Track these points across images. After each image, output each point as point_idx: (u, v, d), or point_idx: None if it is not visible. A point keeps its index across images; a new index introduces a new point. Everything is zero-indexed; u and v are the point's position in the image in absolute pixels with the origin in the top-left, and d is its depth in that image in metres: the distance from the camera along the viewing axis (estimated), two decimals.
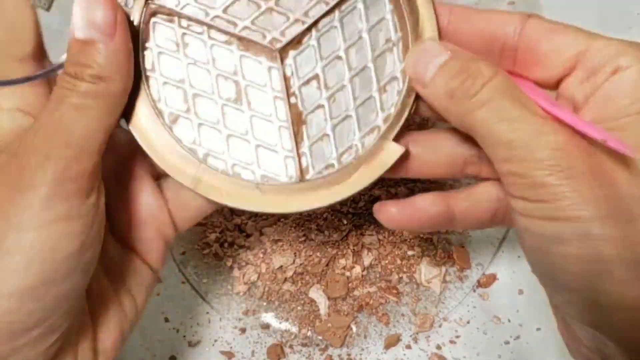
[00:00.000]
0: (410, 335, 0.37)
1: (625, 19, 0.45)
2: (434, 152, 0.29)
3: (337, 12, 0.29)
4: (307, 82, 0.29)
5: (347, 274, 0.38)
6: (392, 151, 0.28)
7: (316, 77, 0.29)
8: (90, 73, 0.23)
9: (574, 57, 0.25)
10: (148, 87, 0.27)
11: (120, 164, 0.29)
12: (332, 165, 0.29)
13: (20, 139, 0.23)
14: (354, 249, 0.38)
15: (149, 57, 0.27)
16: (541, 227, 0.22)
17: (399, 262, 0.38)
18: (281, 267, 0.38)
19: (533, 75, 0.27)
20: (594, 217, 0.21)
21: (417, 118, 0.39)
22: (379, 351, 0.37)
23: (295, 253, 0.38)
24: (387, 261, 0.38)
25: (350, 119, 0.29)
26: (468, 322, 0.37)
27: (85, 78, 0.23)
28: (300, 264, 0.38)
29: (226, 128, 0.28)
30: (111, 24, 0.24)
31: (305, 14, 0.28)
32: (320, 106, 0.29)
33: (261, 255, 0.39)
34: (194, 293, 0.38)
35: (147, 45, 0.27)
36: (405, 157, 0.28)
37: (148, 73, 0.27)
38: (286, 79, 0.28)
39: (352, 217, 0.38)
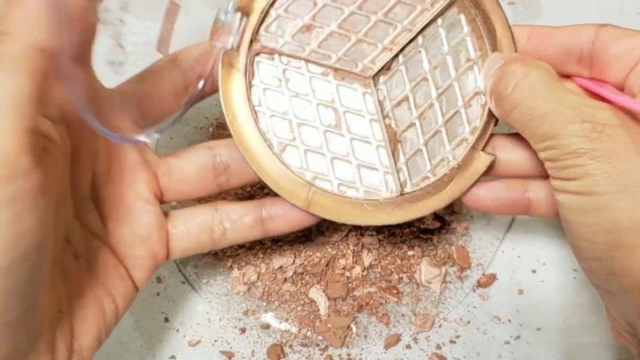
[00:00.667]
0: (410, 335, 0.37)
1: (625, 19, 0.46)
2: (516, 154, 0.31)
3: (420, 38, 0.31)
4: (399, 103, 0.31)
5: (347, 274, 0.38)
6: (483, 160, 0.31)
7: (406, 98, 0.31)
8: None
9: None
10: (257, 120, 0.30)
11: (125, 179, 0.29)
12: (428, 178, 0.31)
13: None
14: (354, 249, 0.38)
15: (256, 94, 0.30)
16: (570, 200, 0.25)
17: (399, 262, 0.38)
18: (281, 267, 0.38)
19: (608, 79, 0.29)
20: (613, 191, 0.24)
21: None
22: (379, 351, 0.37)
23: (295, 253, 0.38)
24: (387, 261, 0.38)
25: (440, 133, 0.31)
26: (468, 322, 0.37)
27: None
28: (300, 264, 0.38)
29: (329, 152, 0.31)
30: None
31: (392, 42, 0.31)
32: (412, 124, 0.31)
33: (261, 255, 0.38)
34: (194, 293, 0.38)
35: (253, 82, 0.30)
36: (492, 164, 0.31)
37: (256, 108, 0.30)
38: (380, 103, 0.31)
39: None
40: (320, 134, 0.31)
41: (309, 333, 0.37)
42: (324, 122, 0.31)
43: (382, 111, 0.31)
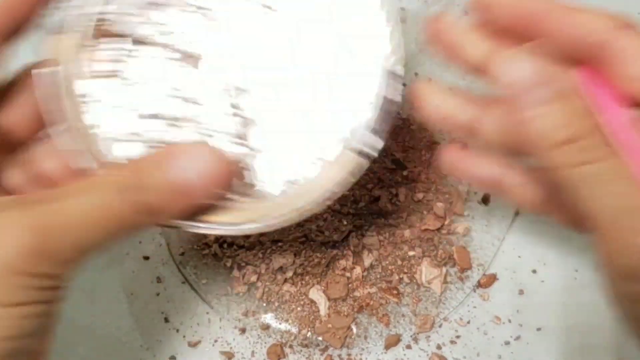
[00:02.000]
0: (411, 336, 0.37)
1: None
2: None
3: None
4: (262, 97, 0.26)
5: (348, 274, 0.38)
6: (357, 161, 0.26)
7: (272, 92, 0.26)
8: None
9: None
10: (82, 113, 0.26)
11: None
12: (297, 181, 0.26)
13: None
14: (354, 250, 0.38)
15: (88, 82, 0.26)
16: None
17: (399, 262, 0.38)
18: (281, 267, 0.38)
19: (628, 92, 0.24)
20: None
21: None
22: (379, 351, 0.37)
23: (295, 253, 0.38)
24: (387, 262, 0.38)
25: (314, 133, 0.26)
26: (468, 323, 0.37)
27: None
28: (300, 265, 0.38)
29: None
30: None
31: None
32: (273, 115, 0.26)
33: (261, 256, 0.38)
34: (194, 293, 0.38)
35: (93, 66, 0.26)
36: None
37: (85, 98, 0.26)
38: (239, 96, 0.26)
39: (353, 217, 0.38)
40: (163, 126, 0.26)
41: (309, 333, 0.37)
42: (169, 115, 0.27)
43: (237, 107, 0.27)
